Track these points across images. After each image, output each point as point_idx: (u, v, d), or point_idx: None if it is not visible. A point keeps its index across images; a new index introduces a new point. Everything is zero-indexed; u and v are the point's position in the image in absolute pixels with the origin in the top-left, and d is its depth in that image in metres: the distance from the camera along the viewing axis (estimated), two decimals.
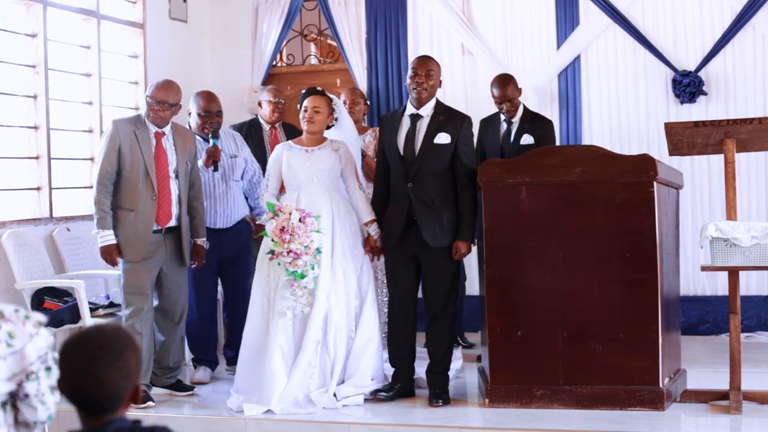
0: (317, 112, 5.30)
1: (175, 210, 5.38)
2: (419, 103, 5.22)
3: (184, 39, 7.81)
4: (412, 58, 7.58)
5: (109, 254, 5.29)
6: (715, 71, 7.15)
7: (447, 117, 5.21)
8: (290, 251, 4.99)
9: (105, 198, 5.27)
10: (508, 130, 6.08)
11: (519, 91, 6.18)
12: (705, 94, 7.11)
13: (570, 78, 7.40)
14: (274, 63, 8.06)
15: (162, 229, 5.36)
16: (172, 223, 5.38)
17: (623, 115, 7.32)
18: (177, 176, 5.40)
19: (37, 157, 6.31)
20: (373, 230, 5.31)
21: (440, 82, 5.31)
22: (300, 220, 5.00)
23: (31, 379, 2.22)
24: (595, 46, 7.36)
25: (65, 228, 6.29)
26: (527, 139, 6.00)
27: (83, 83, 6.79)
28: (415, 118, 5.23)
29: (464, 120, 5.23)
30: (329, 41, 8.89)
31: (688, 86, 7.08)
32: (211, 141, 5.77)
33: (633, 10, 7.29)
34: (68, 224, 6.34)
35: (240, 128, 6.41)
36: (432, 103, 5.25)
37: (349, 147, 5.46)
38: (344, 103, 6.25)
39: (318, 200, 5.21)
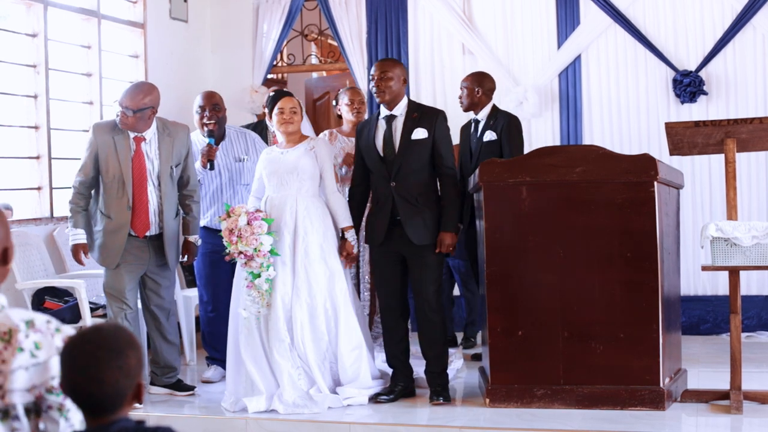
0: (294, 112, 5.30)
1: (153, 219, 5.33)
2: (389, 105, 5.26)
3: (185, 39, 7.81)
4: (412, 57, 7.63)
5: (76, 253, 5.36)
6: (715, 71, 7.15)
7: (421, 113, 5.26)
8: (240, 252, 5.02)
9: (79, 200, 5.34)
10: (476, 129, 6.20)
11: (484, 88, 6.18)
12: (705, 93, 7.11)
13: (570, 78, 7.40)
14: (274, 63, 8.07)
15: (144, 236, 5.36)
16: (153, 231, 5.36)
17: (623, 114, 7.32)
18: (159, 183, 5.33)
19: (37, 157, 6.31)
20: (350, 236, 5.29)
21: (405, 80, 5.31)
22: (248, 223, 5.01)
23: (54, 393, 2.20)
24: (595, 45, 7.36)
25: (66, 227, 6.29)
26: (490, 136, 6.07)
27: (84, 83, 6.79)
28: (390, 118, 5.27)
29: (438, 114, 5.27)
30: (330, 41, 8.91)
31: (688, 86, 7.08)
32: (207, 140, 5.77)
33: (633, 9, 7.29)
34: (68, 224, 6.33)
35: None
36: (404, 102, 5.30)
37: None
38: (351, 102, 6.22)
39: (283, 202, 5.20)
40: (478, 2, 7.59)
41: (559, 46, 7.41)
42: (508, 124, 6.06)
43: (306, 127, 5.64)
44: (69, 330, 2.25)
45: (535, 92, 7.30)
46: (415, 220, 5.14)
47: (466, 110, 6.25)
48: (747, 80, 7.12)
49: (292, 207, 5.21)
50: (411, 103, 5.34)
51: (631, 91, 7.31)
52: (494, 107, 6.23)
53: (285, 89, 5.59)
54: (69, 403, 2.20)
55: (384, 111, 5.30)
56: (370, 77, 5.30)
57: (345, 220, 5.29)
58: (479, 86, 6.18)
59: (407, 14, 7.69)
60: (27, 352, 2.16)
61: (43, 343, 2.18)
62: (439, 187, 5.29)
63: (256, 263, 5.03)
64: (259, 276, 5.04)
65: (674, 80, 7.16)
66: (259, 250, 5.01)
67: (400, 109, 5.27)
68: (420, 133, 5.19)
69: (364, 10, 7.74)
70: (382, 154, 5.23)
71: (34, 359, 2.17)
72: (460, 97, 6.25)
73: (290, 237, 5.17)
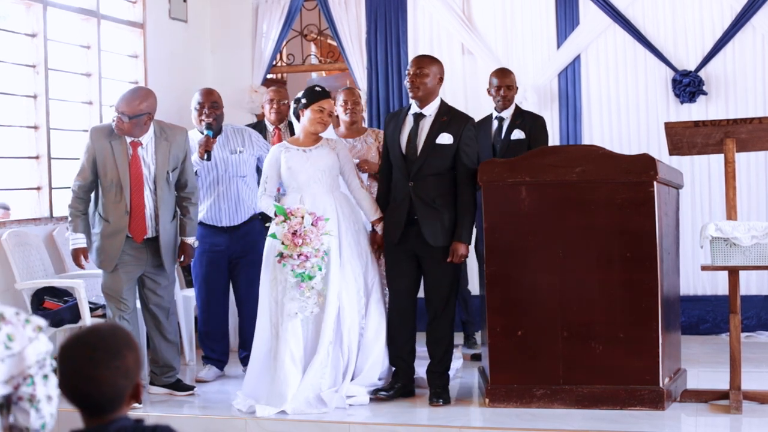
0: (331, 115, 5.35)
1: (150, 223, 5.34)
2: (421, 102, 5.23)
3: (184, 39, 7.81)
4: (412, 58, 7.60)
5: (76, 257, 5.39)
6: (715, 71, 7.15)
7: (450, 118, 5.22)
8: (300, 254, 4.96)
9: (78, 204, 5.35)
10: (500, 127, 6.19)
11: (516, 87, 6.33)
12: (705, 93, 7.12)
13: (570, 78, 7.40)
14: (274, 63, 8.06)
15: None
16: (150, 235, 5.36)
17: (623, 114, 7.32)
18: (155, 187, 5.33)
19: (37, 157, 6.31)
20: (381, 228, 5.31)
21: (441, 80, 5.29)
22: (312, 224, 4.99)
23: (26, 384, 2.22)
24: (595, 45, 7.36)
25: (65, 228, 6.28)
26: (518, 134, 6.12)
27: (83, 83, 6.78)
28: (419, 117, 5.24)
29: (467, 121, 5.24)
30: (329, 41, 8.91)
31: (688, 86, 7.09)
32: (205, 132, 5.78)
33: (633, 9, 7.29)
34: (68, 224, 6.33)
35: None
36: (436, 103, 5.26)
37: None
38: (345, 103, 6.24)
39: (322, 201, 5.20)
40: (478, 2, 7.59)
41: (558, 46, 7.41)
42: (538, 125, 6.16)
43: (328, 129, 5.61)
44: (38, 320, 2.27)
45: (535, 92, 7.30)
46: (433, 222, 5.12)
47: (503, 109, 6.22)
48: (746, 80, 7.12)
49: (332, 204, 5.22)
50: (443, 104, 5.29)
51: (630, 91, 7.31)
52: (517, 106, 6.30)
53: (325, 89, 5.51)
54: (40, 395, 2.22)
55: (414, 107, 5.26)
56: (406, 72, 5.28)
57: (375, 212, 5.31)
58: (516, 90, 6.30)
59: (407, 14, 7.69)
60: (1, 344, 2.19)
61: (16, 335, 2.22)
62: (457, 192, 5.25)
63: (310, 264, 4.99)
64: (311, 277, 4.99)
65: (674, 80, 7.16)
66: (319, 250, 5.00)
67: (431, 110, 5.24)
68: (445, 138, 5.16)
69: (364, 10, 7.73)
70: (404, 152, 5.21)
71: (8, 351, 2.20)
72: (505, 96, 6.19)
73: (336, 234, 5.18)
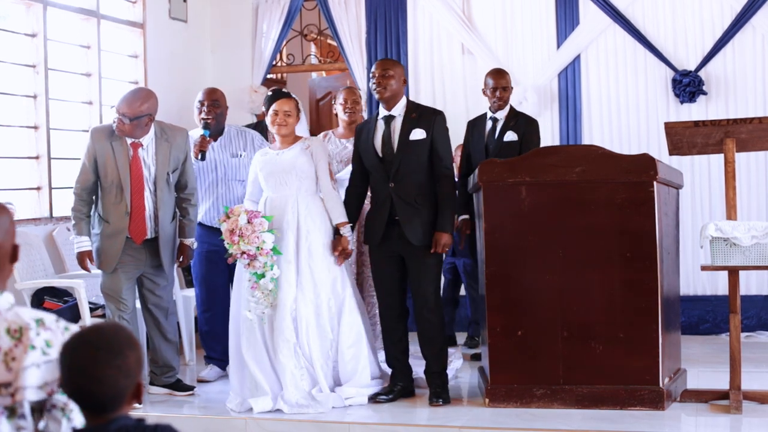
0: (288, 115, 5.27)
1: (150, 224, 5.34)
2: (388, 104, 5.26)
3: (184, 39, 7.81)
4: (412, 57, 7.63)
5: (82, 261, 5.38)
6: (715, 71, 7.16)
7: (420, 114, 5.26)
8: (243, 252, 5.00)
9: (82, 206, 5.33)
10: (494, 128, 6.15)
11: (511, 88, 6.28)
12: (705, 93, 7.12)
13: (570, 78, 7.40)
14: (274, 63, 8.07)
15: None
16: (149, 236, 5.36)
17: (623, 114, 7.32)
18: (155, 189, 5.33)
19: (37, 157, 6.31)
20: (345, 231, 5.25)
21: (405, 80, 5.33)
22: (248, 222, 5.01)
23: (60, 392, 2.22)
24: (595, 45, 7.37)
25: (65, 228, 6.29)
26: (511, 136, 6.06)
27: (83, 83, 6.79)
28: (389, 119, 5.26)
29: (437, 114, 5.27)
30: (329, 41, 8.92)
31: (688, 86, 7.09)
32: (202, 131, 5.79)
33: (633, 9, 7.30)
34: (68, 224, 6.32)
35: None
36: (403, 102, 5.30)
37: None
38: (345, 102, 6.23)
39: (283, 202, 5.19)
40: (478, 2, 7.60)
41: (558, 46, 7.41)
42: (532, 128, 6.10)
43: (301, 128, 5.61)
44: (76, 328, 2.27)
45: (535, 92, 7.31)
46: (414, 221, 5.13)
47: (497, 109, 6.14)
48: (746, 80, 7.12)
49: (294, 206, 5.20)
50: (410, 103, 5.34)
51: (630, 91, 7.31)
52: (512, 107, 6.25)
53: (284, 89, 5.55)
54: (73, 404, 2.22)
55: (383, 111, 5.29)
56: (371, 75, 5.30)
57: (340, 215, 5.26)
58: (511, 90, 6.25)
59: (407, 14, 7.69)
60: (39, 349, 2.20)
61: (54, 341, 2.22)
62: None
63: (259, 263, 5.01)
64: (263, 276, 5.02)
65: (674, 80, 7.17)
66: (262, 249, 5.00)
67: (399, 110, 5.27)
68: (418, 134, 5.18)
69: (364, 10, 7.74)
70: (380, 155, 5.23)
71: (45, 357, 2.20)
72: (500, 97, 6.11)
73: (293, 236, 5.17)
